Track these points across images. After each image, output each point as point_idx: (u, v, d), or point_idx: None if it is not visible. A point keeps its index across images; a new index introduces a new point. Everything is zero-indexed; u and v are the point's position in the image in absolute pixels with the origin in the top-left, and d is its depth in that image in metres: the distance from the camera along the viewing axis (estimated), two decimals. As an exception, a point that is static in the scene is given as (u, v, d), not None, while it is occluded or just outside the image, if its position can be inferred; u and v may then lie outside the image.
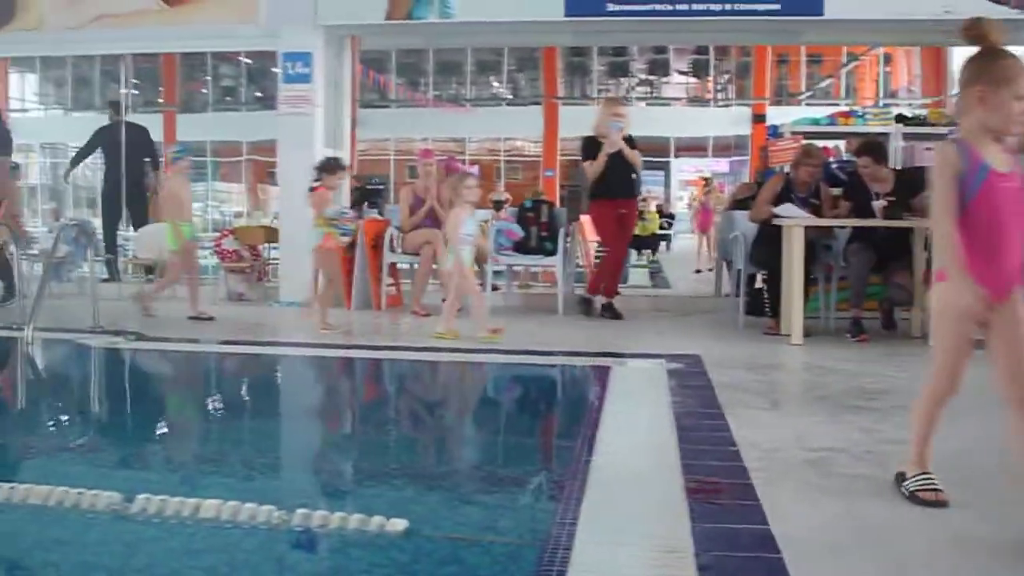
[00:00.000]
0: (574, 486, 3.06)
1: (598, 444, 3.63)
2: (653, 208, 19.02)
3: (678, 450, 3.51)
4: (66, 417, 4.89)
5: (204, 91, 32.68)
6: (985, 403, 3.02)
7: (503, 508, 3.12)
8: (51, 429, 4.59)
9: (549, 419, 5.02)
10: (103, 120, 12.16)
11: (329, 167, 7.15)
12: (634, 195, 8.25)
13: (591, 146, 7.85)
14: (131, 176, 10.75)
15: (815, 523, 2.75)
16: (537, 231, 8.53)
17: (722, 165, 28.67)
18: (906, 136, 8.65)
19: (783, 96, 29.49)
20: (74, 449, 4.07)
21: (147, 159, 11.01)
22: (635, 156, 7.84)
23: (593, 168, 7.77)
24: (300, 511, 2.75)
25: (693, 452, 3.48)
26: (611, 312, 7.84)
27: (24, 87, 34.18)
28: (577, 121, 28.26)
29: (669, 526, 2.67)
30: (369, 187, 13.30)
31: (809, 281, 6.83)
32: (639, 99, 30.94)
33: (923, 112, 10.69)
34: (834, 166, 8.14)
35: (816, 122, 9.24)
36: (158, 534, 2.70)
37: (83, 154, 11.21)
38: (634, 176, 7.92)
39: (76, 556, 2.60)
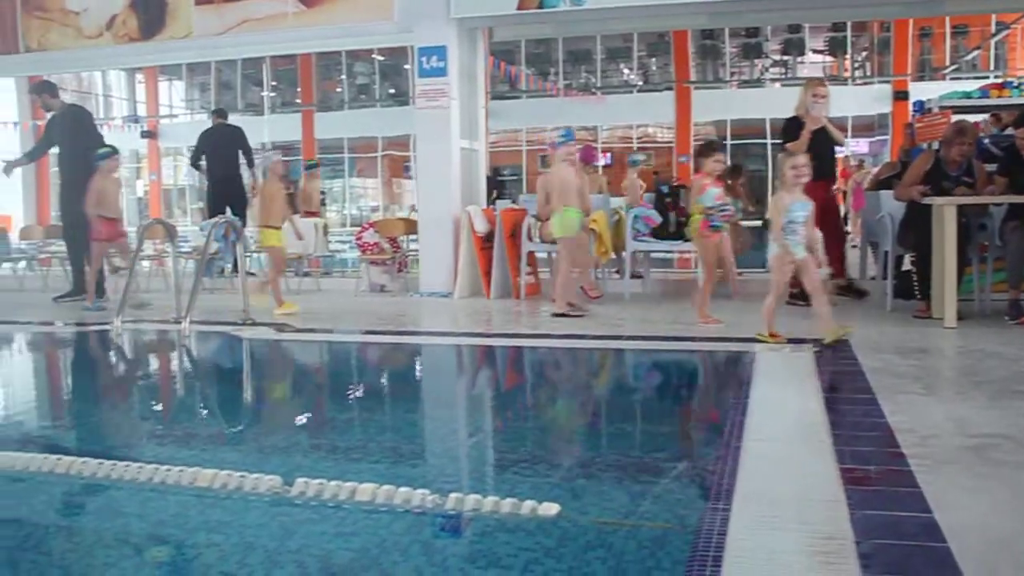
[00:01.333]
0: (725, 471, 3.03)
1: (747, 429, 3.58)
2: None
3: (831, 436, 3.44)
4: (223, 405, 5.11)
5: (339, 90, 33.46)
6: None
7: (651, 494, 3.09)
8: (210, 416, 4.81)
9: (696, 405, 4.96)
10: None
11: (705, 151, 6.75)
12: (834, 174, 8.14)
13: (793, 127, 7.71)
14: (229, 173, 11.01)
15: (981, 512, 2.65)
16: (675, 216, 8.44)
17: (861, 146, 27.72)
18: (1065, 106, 8.18)
19: (926, 71, 28.30)
20: (232, 435, 4.26)
21: (242, 159, 11.22)
22: (838, 133, 7.69)
23: (796, 147, 7.62)
24: (453, 495, 2.81)
25: (846, 438, 3.40)
26: (852, 292, 7.80)
27: (172, 94, 35.70)
28: (710, 105, 28.01)
29: (826, 513, 2.62)
30: (499, 178, 13.40)
31: (963, 262, 6.54)
32: (773, 80, 30.24)
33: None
34: (987, 141, 7.77)
35: (968, 95, 8.85)
36: (313, 516, 2.80)
37: (195, 157, 11.50)
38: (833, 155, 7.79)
39: (236, 537, 2.72)
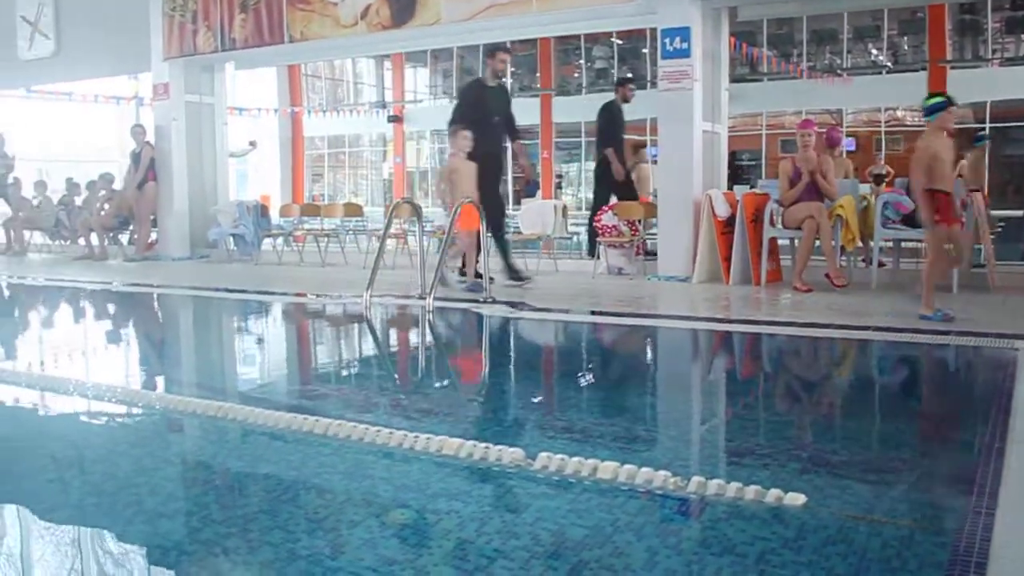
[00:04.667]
0: (987, 474, 2.83)
1: (1012, 432, 3.33)
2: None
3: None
4: (464, 377, 5.28)
5: (576, 74, 33.67)
6: None
7: (902, 491, 2.94)
8: (452, 388, 4.97)
9: (954, 402, 4.64)
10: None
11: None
12: None
13: None
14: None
15: None
16: (929, 203, 7.95)
17: None
18: None
19: None
20: (474, 407, 4.38)
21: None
22: None
23: None
24: (696, 478, 2.76)
25: None
26: None
27: (416, 80, 37.10)
28: (968, 86, 26.20)
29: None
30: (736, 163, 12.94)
31: None
32: (1041, 58, 27.94)
33: None
34: None
35: None
36: (550, 491, 2.83)
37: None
38: None
39: (474, 507, 2.77)
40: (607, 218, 9.61)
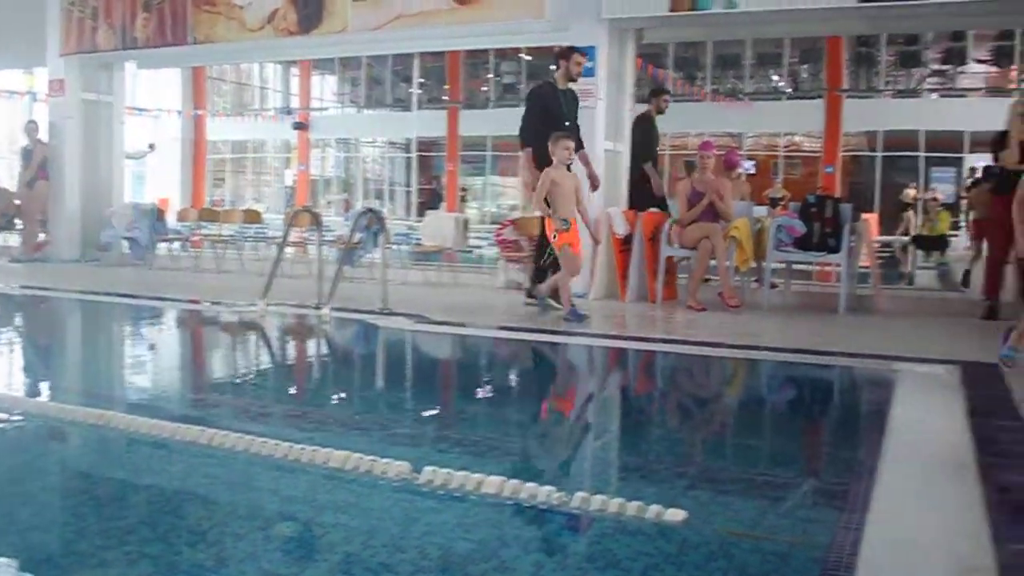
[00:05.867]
0: (859, 491, 2.92)
1: (885, 450, 3.45)
2: (940, 207, 17.77)
3: (976, 462, 3.27)
4: (355, 390, 5.24)
5: (485, 88, 33.79)
6: None
7: (780, 508, 3.02)
8: (343, 400, 4.93)
9: (831, 421, 4.81)
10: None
11: None
12: None
13: (1001, 139, 7.53)
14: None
15: None
16: (820, 227, 8.22)
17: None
18: None
19: (1100, 84, 26.68)
20: (363, 419, 4.35)
21: None
22: None
23: (1007, 157, 7.43)
24: (579, 494, 2.79)
25: (994, 465, 3.23)
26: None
27: (324, 87, 36.79)
28: (862, 115, 27.09)
29: (968, 542, 2.49)
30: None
31: None
32: (931, 90, 29.06)
33: None
34: None
35: None
36: (437, 506, 2.82)
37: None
38: None
39: (362, 520, 2.77)
40: (507, 232, 9.67)
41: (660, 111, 9.88)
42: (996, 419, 4.07)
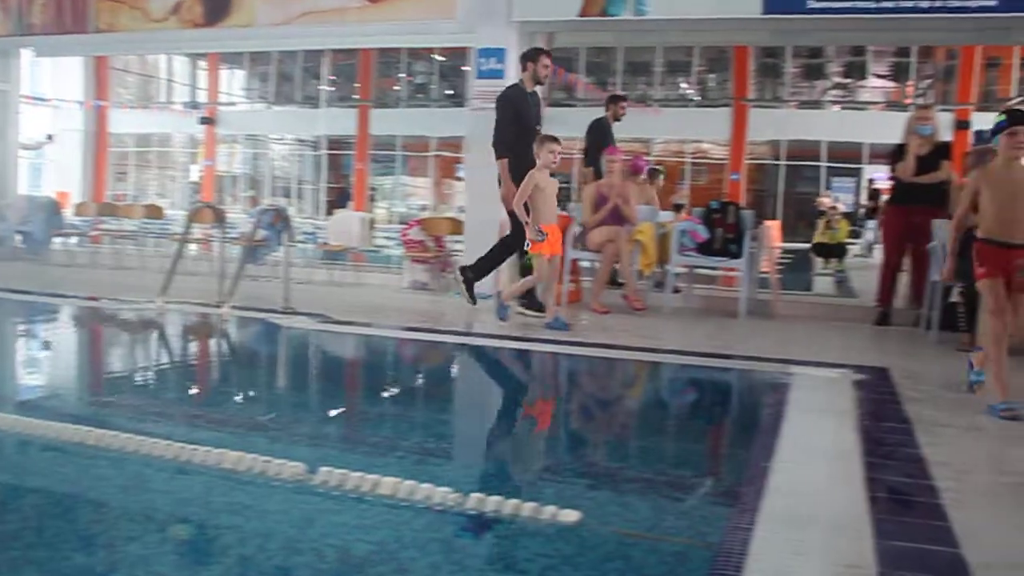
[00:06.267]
0: (750, 492, 2.99)
1: (777, 451, 3.54)
2: (840, 215, 18.29)
3: (862, 463, 3.38)
4: (253, 390, 5.16)
5: (396, 87, 33.64)
6: None
7: (674, 509, 3.09)
8: (239, 400, 4.85)
9: (726, 424, 4.93)
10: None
11: None
12: (936, 204, 7.59)
13: (899, 152, 7.83)
14: None
15: (1011, 552, 2.59)
16: (723, 233, 8.39)
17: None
18: None
19: (991, 102, 27.80)
20: (261, 420, 4.29)
21: None
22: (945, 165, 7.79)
23: (903, 169, 7.65)
24: (475, 495, 2.81)
25: (878, 467, 3.35)
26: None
27: (232, 82, 36.17)
28: (766, 124, 27.74)
29: (850, 540, 2.58)
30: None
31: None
32: (833, 103, 29.93)
33: None
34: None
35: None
36: (335, 507, 2.81)
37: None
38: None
39: (257, 522, 2.74)
40: (414, 232, 9.64)
41: (617, 118, 9.83)
42: (884, 421, 4.21)
